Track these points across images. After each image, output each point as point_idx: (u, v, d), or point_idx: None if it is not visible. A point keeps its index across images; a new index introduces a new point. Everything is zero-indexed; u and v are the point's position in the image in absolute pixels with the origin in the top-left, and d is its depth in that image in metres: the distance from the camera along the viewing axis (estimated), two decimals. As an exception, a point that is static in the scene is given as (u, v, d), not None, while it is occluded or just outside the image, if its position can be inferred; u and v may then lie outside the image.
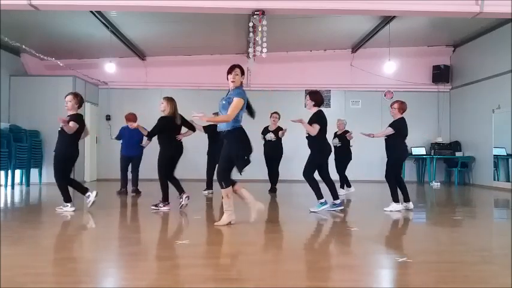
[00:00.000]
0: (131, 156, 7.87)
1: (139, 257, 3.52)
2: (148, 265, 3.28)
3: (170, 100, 5.94)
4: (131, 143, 7.83)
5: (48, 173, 9.76)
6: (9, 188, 8.83)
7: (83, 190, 5.77)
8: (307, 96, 5.85)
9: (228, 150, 4.59)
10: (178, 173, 6.08)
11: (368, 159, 10.88)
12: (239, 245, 3.94)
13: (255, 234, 4.37)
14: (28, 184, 9.46)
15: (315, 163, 5.81)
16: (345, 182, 8.26)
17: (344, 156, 8.12)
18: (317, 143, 5.77)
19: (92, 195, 5.68)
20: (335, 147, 7.93)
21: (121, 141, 8.00)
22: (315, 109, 5.81)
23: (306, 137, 5.87)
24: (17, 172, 9.39)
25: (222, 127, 4.58)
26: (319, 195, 5.75)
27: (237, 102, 4.47)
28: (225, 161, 4.61)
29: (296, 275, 3.02)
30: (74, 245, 4.10)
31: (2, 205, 6.62)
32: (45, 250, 3.73)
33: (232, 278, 2.94)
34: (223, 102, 4.57)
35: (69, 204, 5.61)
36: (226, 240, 4.14)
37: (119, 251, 3.75)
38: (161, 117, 5.89)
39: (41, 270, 3.05)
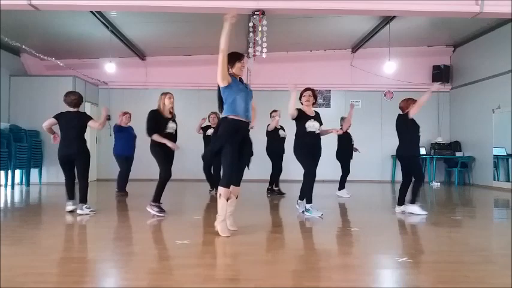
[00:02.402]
0: (125, 155, 7.73)
1: (139, 257, 3.53)
2: (148, 265, 3.28)
3: (162, 94, 5.67)
4: (125, 142, 7.70)
5: (48, 173, 9.77)
6: (9, 188, 8.83)
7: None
8: (310, 91, 5.59)
9: (249, 145, 4.37)
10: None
11: (368, 160, 10.89)
12: (239, 245, 3.94)
13: (255, 235, 4.36)
14: (28, 184, 9.47)
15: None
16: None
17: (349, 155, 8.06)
18: None
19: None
20: None
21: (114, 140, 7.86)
22: (312, 108, 5.68)
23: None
24: (17, 172, 9.40)
25: (249, 117, 4.25)
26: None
27: None
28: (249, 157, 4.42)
29: (296, 275, 3.02)
30: (74, 245, 4.10)
31: (2, 205, 6.62)
32: (45, 250, 3.73)
33: (232, 278, 2.94)
34: (249, 91, 4.31)
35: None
36: (226, 240, 4.13)
37: (119, 251, 3.75)
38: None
39: (41, 270, 3.05)
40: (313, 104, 5.64)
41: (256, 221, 5.16)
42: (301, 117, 5.53)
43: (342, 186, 8.04)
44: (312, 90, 5.67)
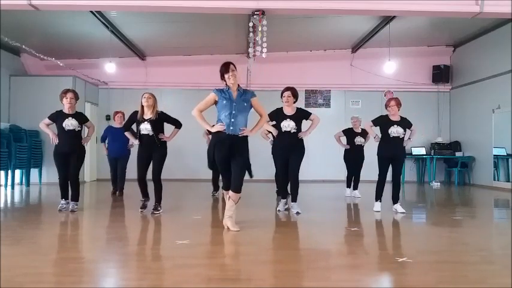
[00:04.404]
0: (117, 157, 7.69)
1: (139, 257, 3.53)
2: (148, 265, 3.28)
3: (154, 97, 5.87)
4: (117, 143, 7.64)
5: (48, 173, 9.76)
6: (9, 188, 8.83)
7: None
8: (289, 92, 5.58)
9: (245, 152, 4.46)
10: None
11: (368, 160, 10.87)
12: (239, 245, 3.94)
13: (255, 234, 4.36)
14: (28, 184, 9.46)
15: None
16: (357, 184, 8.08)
17: (363, 155, 7.98)
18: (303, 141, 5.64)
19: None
20: (357, 146, 7.80)
21: (106, 142, 7.85)
22: (295, 106, 5.66)
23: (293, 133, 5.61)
24: (17, 172, 9.40)
25: (237, 130, 4.37)
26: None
27: (257, 101, 4.53)
28: (246, 164, 4.48)
29: (296, 275, 3.02)
30: (74, 245, 4.10)
31: (2, 205, 6.62)
32: (45, 250, 3.73)
33: (232, 278, 2.94)
34: (245, 104, 4.41)
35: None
36: (226, 240, 4.13)
37: (119, 251, 3.75)
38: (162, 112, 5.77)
39: (41, 270, 3.05)
40: (295, 102, 5.65)
41: (256, 220, 5.15)
42: (278, 117, 5.60)
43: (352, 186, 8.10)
44: (292, 89, 5.62)
